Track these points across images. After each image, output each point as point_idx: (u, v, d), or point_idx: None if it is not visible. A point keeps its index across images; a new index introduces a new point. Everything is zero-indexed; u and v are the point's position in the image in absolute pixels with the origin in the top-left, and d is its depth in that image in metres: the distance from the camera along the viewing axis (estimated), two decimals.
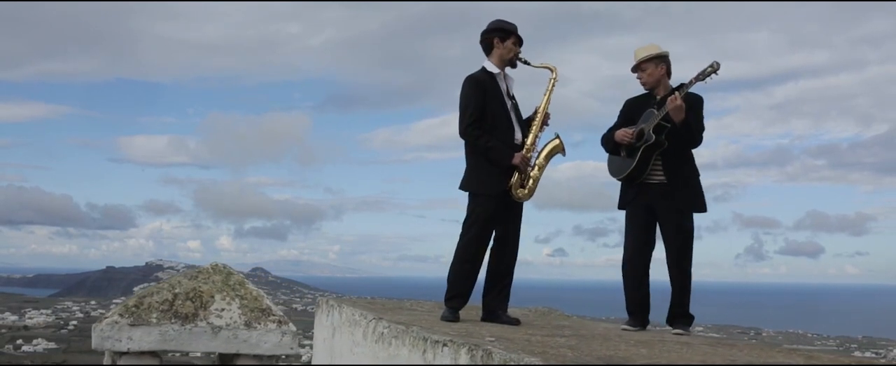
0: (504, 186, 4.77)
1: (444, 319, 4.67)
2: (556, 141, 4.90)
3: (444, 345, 3.16)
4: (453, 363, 3.03)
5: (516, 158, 4.74)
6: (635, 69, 5.00)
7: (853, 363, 3.80)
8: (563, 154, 4.93)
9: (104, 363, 3.18)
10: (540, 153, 4.87)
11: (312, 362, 6.18)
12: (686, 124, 4.79)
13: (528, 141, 4.85)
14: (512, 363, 2.55)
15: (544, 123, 4.91)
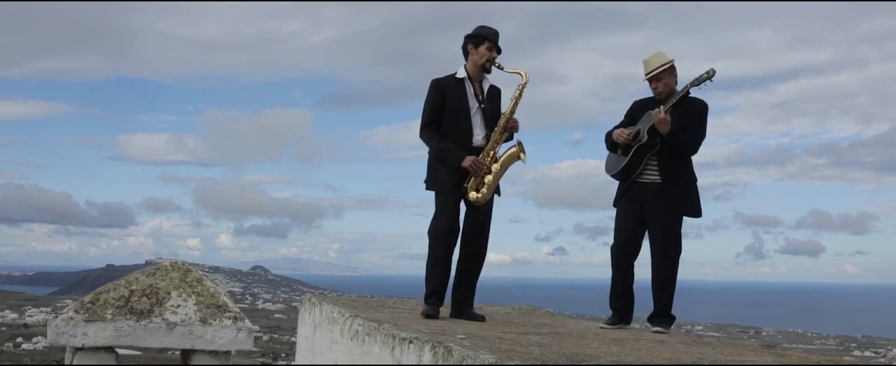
0: (453, 182, 4.81)
1: (424, 315, 4.74)
2: (514, 148, 4.90)
3: (410, 342, 3.21)
4: (418, 359, 3.08)
5: (466, 161, 4.79)
6: (652, 80, 4.97)
7: (825, 362, 3.82)
8: (523, 161, 4.92)
9: (65, 362, 3.22)
10: (498, 159, 4.88)
11: (295, 359, 6.22)
12: (671, 136, 4.85)
13: (488, 145, 4.88)
14: (468, 361, 2.59)
15: (508, 128, 4.91)
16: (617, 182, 5.16)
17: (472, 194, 4.81)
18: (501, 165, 4.86)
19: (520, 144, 4.91)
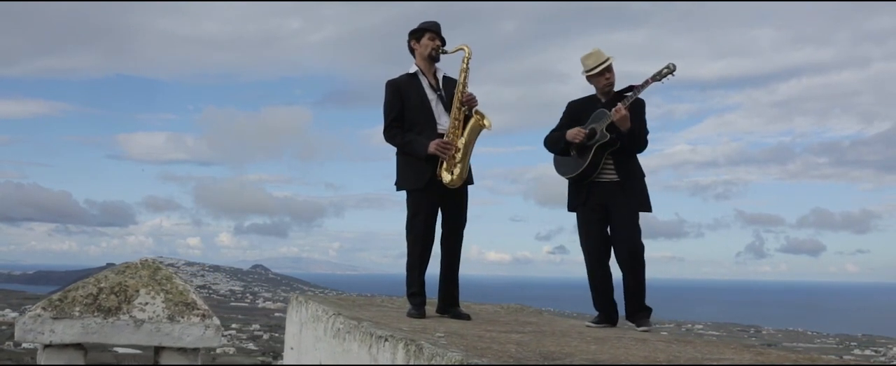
0: (426, 178, 4.80)
1: (410, 315, 4.76)
2: (474, 119, 4.84)
3: (386, 340, 3.24)
4: (392, 357, 3.11)
5: (431, 147, 4.78)
6: (605, 71, 4.99)
7: (804, 361, 3.81)
8: (488, 127, 4.85)
9: (37, 361, 3.24)
10: (463, 135, 4.83)
11: (283, 357, 6.25)
12: (631, 133, 4.89)
13: (448, 126, 4.85)
14: (436, 359, 2.61)
15: (464, 102, 4.87)
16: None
17: (446, 177, 4.76)
18: (466, 139, 4.79)
19: (478, 112, 4.84)
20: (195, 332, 3.31)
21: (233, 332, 51.60)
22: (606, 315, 5.06)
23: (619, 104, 4.86)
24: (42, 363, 3.25)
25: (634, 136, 4.93)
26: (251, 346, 48.57)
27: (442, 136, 4.84)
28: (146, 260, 3.52)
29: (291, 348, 6.06)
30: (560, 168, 5.14)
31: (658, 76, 4.90)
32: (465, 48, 4.94)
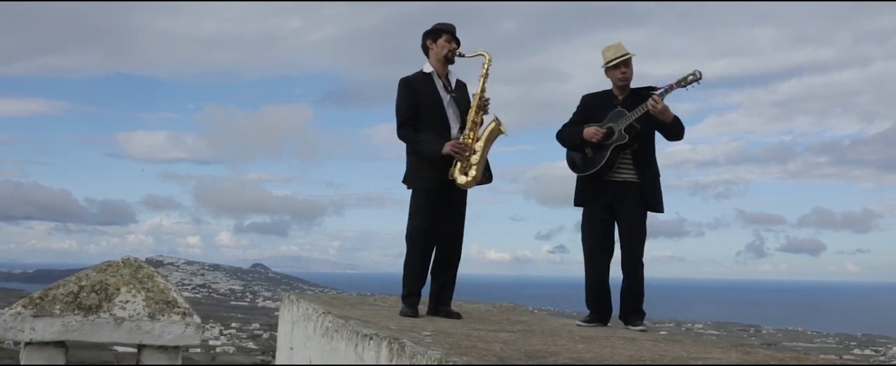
0: (439, 179, 4.80)
1: (403, 314, 4.76)
2: (493, 124, 4.88)
3: (371, 339, 3.25)
4: (376, 355, 3.13)
5: (446, 148, 4.77)
6: (621, 65, 4.97)
7: (790, 360, 3.82)
8: (504, 133, 4.90)
9: (19, 359, 3.27)
10: (480, 138, 4.85)
11: (276, 356, 6.26)
12: (675, 123, 4.91)
13: (467, 128, 4.86)
14: (418, 357, 2.63)
15: (481, 108, 4.90)
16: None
17: (461, 178, 4.76)
18: (484, 143, 4.81)
19: (497, 118, 4.88)
20: (175, 330, 3.33)
21: (233, 331, 51.62)
22: (598, 314, 5.06)
23: (653, 98, 4.83)
24: (23, 362, 3.28)
25: (676, 127, 4.95)
26: (251, 345, 48.63)
27: (454, 138, 4.85)
28: (127, 258, 3.54)
29: (291, 349, 6.07)
30: (573, 164, 5.12)
31: (683, 82, 4.88)
32: (486, 54, 4.95)
